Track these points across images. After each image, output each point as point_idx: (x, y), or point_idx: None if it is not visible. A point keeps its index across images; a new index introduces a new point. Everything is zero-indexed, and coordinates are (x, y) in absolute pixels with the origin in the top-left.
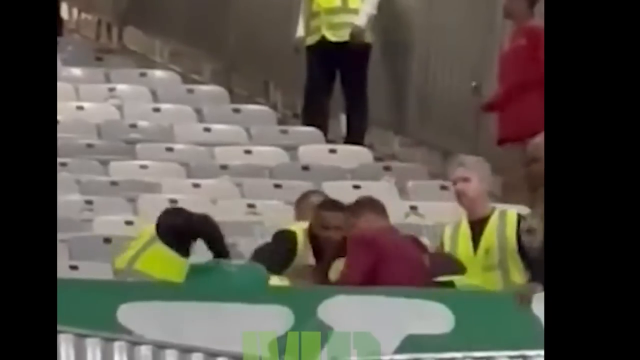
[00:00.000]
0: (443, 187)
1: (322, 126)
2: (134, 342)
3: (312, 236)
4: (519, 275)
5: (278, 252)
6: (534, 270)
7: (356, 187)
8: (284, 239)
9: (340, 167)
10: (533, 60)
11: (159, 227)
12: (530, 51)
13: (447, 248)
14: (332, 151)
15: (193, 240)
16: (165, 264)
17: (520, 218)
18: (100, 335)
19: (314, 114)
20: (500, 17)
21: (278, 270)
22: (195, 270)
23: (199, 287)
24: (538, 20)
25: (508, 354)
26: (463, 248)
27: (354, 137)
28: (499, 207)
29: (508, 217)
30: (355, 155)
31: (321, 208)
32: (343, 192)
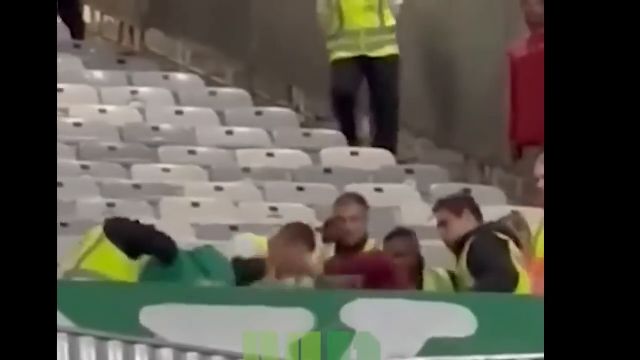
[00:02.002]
0: (465, 191)
1: (353, 136)
2: (155, 345)
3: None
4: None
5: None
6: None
7: (378, 190)
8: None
9: (363, 169)
10: None
11: (109, 234)
12: None
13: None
14: (355, 154)
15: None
16: (115, 262)
17: None
18: (122, 338)
19: (347, 124)
20: (518, 22)
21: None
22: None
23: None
24: None
25: (530, 357)
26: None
27: (384, 142)
28: (520, 209)
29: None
30: (377, 158)
31: (337, 204)
32: (365, 195)
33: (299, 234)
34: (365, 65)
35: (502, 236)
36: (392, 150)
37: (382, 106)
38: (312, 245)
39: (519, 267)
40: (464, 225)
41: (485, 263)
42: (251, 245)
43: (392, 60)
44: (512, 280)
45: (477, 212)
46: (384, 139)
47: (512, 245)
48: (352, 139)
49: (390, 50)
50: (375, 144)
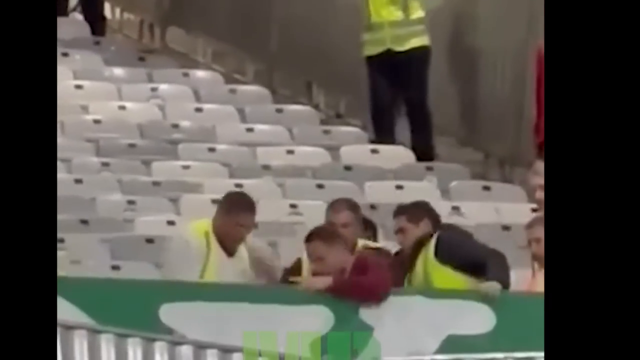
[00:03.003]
0: (485, 188)
1: (391, 141)
2: (175, 342)
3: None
4: None
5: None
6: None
7: (399, 187)
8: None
9: (383, 167)
10: None
11: None
12: None
13: None
14: (374, 151)
15: None
16: None
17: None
18: (141, 335)
19: (383, 131)
20: (541, 21)
21: None
22: None
23: None
24: None
25: None
26: None
27: (423, 152)
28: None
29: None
30: (397, 155)
31: (329, 209)
32: (385, 192)
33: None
34: (393, 61)
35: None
36: (430, 157)
37: (412, 108)
38: (251, 210)
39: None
40: (421, 233)
41: (469, 250)
42: (191, 244)
43: (420, 52)
44: (505, 261)
45: (435, 221)
46: (419, 145)
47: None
48: (389, 143)
49: (417, 42)
50: (414, 151)
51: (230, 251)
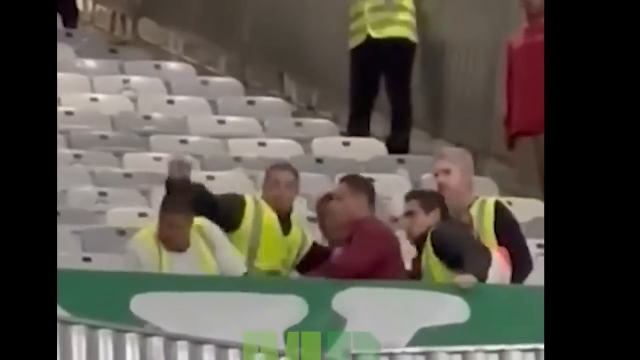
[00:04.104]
0: None
1: (366, 135)
2: (146, 334)
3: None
4: None
5: (226, 209)
6: (518, 256)
7: (370, 180)
8: (233, 200)
9: (354, 159)
10: None
11: None
12: None
13: None
14: (346, 144)
15: None
16: None
17: (498, 207)
18: (112, 326)
19: (360, 125)
20: (512, 13)
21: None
22: None
23: None
24: None
25: (521, 347)
26: None
27: (399, 146)
28: (512, 199)
29: (486, 208)
30: (369, 147)
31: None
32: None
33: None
34: (375, 52)
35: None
36: (405, 151)
37: (395, 102)
38: (183, 210)
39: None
40: (429, 221)
41: (455, 245)
42: (136, 252)
43: (403, 44)
44: (487, 256)
45: (444, 214)
46: (397, 139)
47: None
48: (363, 136)
49: (399, 31)
50: (389, 145)
51: (179, 249)
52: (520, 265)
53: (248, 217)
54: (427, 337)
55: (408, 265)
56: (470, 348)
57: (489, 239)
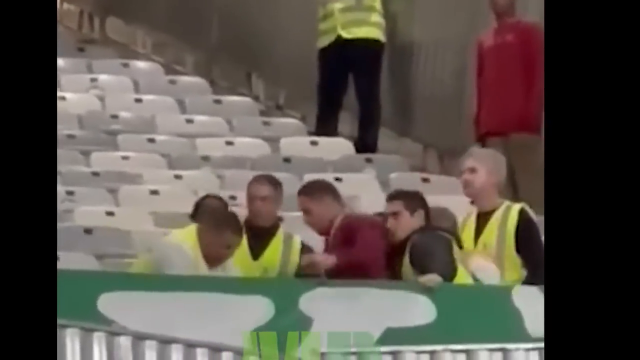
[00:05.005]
0: (425, 180)
1: (334, 134)
2: (114, 333)
3: None
4: (515, 273)
5: None
6: (531, 268)
7: (338, 179)
8: None
9: (322, 159)
10: (523, 57)
11: None
12: (519, 48)
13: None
14: (314, 143)
15: None
16: None
17: (523, 213)
18: (80, 325)
19: (328, 124)
20: (483, 13)
21: None
22: None
23: None
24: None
25: (488, 346)
26: (465, 240)
27: (367, 146)
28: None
29: (511, 212)
30: (337, 147)
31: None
32: None
33: (226, 220)
34: (344, 52)
35: (445, 234)
36: (372, 150)
37: (363, 102)
38: (240, 231)
39: (457, 264)
40: (413, 224)
41: (427, 257)
42: (185, 251)
43: (372, 45)
44: (448, 274)
45: (427, 215)
46: (365, 139)
47: (454, 244)
48: (331, 135)
49: (369, 32)
50: (357, 145)
51: (211, 265)
52: (531, 277)
53: None
54: (394, 336)
55: None
56: (438, 347)
57: (509, 244)
